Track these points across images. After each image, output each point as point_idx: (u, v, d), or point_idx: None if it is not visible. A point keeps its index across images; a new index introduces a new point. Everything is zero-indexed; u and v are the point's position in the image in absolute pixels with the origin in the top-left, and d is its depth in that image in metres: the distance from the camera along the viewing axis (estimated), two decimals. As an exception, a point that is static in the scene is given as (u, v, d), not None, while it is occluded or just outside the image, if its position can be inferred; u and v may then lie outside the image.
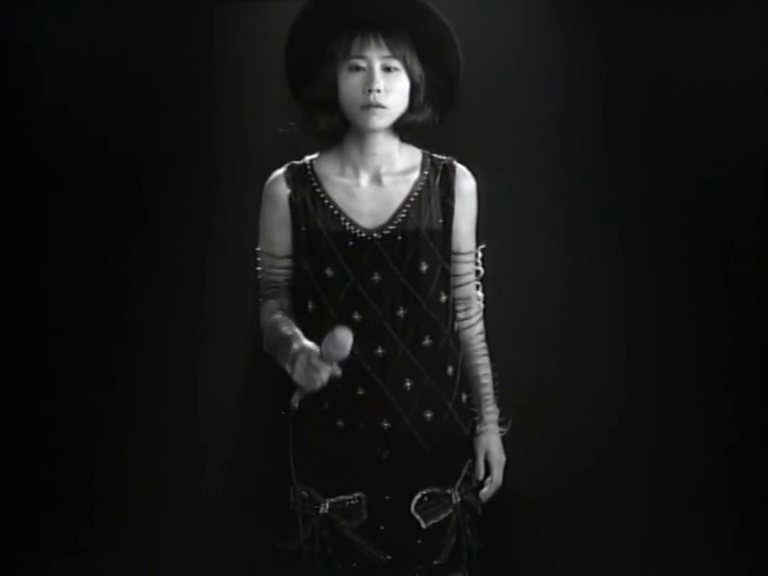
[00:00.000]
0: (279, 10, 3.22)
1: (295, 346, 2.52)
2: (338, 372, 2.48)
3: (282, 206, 2.72)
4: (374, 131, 2.66)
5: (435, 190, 2.73)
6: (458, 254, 2.76)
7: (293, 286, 2.77)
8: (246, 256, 3.08)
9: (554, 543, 3.39)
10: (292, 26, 2.70)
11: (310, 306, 2.71)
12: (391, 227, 2.68)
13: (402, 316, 2.68)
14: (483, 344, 2.82)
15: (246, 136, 3.44)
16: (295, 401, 2.54)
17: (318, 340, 2.65)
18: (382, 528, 2.70)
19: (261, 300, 2.80)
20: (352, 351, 2.51)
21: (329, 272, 2.68)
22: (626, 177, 3.39)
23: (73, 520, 3.52)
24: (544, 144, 3.38)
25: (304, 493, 2.72)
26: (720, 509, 3.40)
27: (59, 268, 3.49)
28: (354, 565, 2.71)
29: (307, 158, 2.77)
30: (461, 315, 2.80)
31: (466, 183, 2.76)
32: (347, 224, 2.68)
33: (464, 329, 2.81)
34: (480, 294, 2.83)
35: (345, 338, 2.45)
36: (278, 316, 2.71)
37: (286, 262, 2.75)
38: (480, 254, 2.81)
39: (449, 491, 2.74)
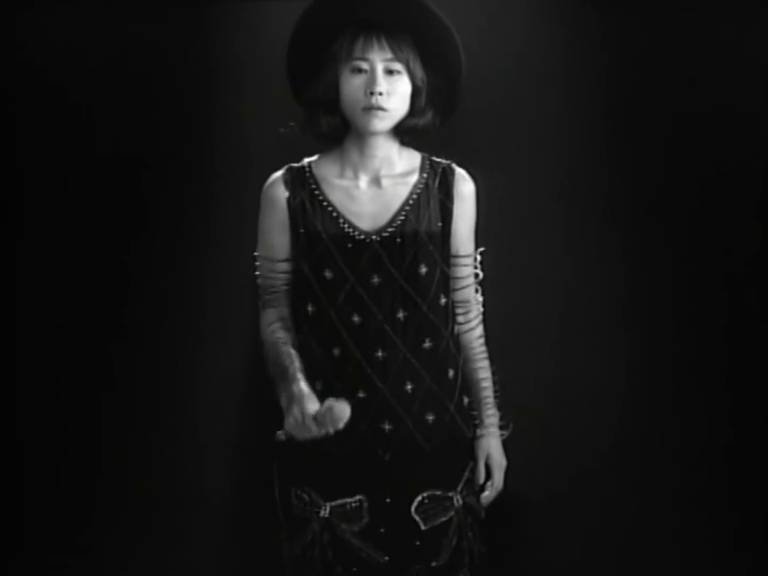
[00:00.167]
0: (279, 10, 3.23)
1: (294, 389, 2.56)
2: (331, 433, 2.49)
3: (281, 208, 2.72)
4: (374, 134, 2.66)
5: (434, 193, 2.73)
6: (456, 256, 2.76)
7: (292, 289, 2.76)
8: (245, 256, 3.07)
9: (555, 544, 3.39)
10: (295, 26, 2.69)
11: (309, 308, 2.71)
12: (390, 229, 2.68)
13: (402, 318, 2.68)
14: (483, 347, 2.82)
15: (245, 136, 3.44)
16: (282, 435, 2.57)
17: (318, 342, 2.67)
18: (382, 531, 2.69)
19: (260, 305, 2.80)
20: (353, 355, 2.53)
21: (328, 274, 2.68)
22: (626, 177, 3.39)
23: (73, 520, 3.51)
24: (544, 144, 3.38)
25: (305, 496, 2.72)
26: (720, 509, 3.41)
27: (59, 268, 3.48)
28: (354, 569, 2.71)
29: (306, 161, 2.77)
30: (460, 319, 2.80)
31: (465, 186, 2.76)
32: (346, 226, 2.68)
33: (464, 332, 2.80)
34: (479, 297, 2.83)
35: (342, 412, 2.47)
36: (279, 335, 2.72)
37: (285, 266, 2.75)
38: (479, 258, 2.81)
39: (450, 494, 2.74)
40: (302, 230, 2.70)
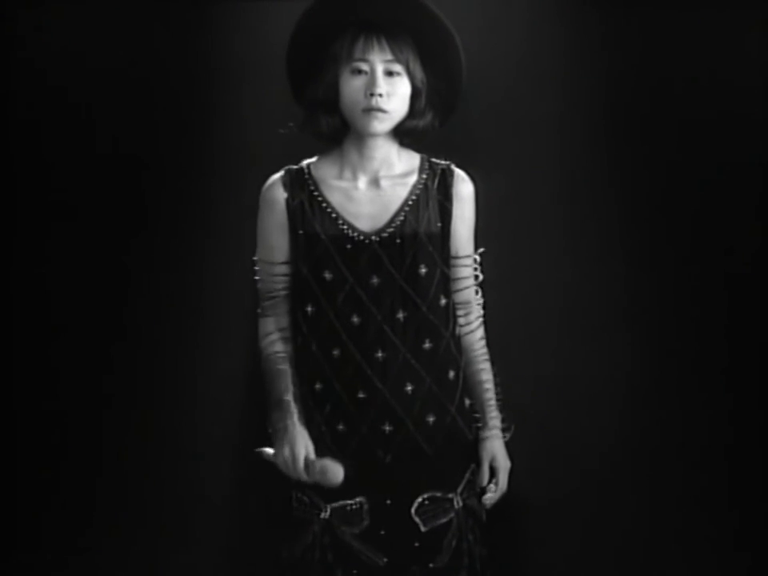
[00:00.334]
0: (279, 10, 3.22)
1: (288, 425, 2.63)
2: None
3: (280, 210, 2.72)
4: (374, 135, 2.66)
5: (433, 194, 2.73)
6: (456, 257, 2.76)
7: (292, 294, 2.76)
8: (245, 256, 3.07)
9: (555, 545, 3.39)
10: (295, 26, 2.69)
11: (308, 309, 2.71)
12: (389, 230, 2.68)
13: (402, 319, 2.68)
14: (484, 349, 2.81)
15: (245, 136, 3.44)
16: (268, 455, 2.61)
17: (317, 343, 2.67)
18: (382, 533, 2.69)
19: (259, 311, 2.80)
20: (353, 356, 2.55)
21: (327, 275, 2.68)
22: (626, 177, 3.39)
23: (73, 520, 3.51)
24: (544, 144, 3.38)
25: (305, 498, 2.72)
26: (720, 509, 3.40)
27: (59, 268, 3.48)
28: (354, 571, 2.71)
29: (305, 162, 2.77)
30: (461, 320, 2.79)
31: (464, 187, 2.76)
32: (345, 227, 2.68)
33: (465, 334, 2.80)
34: (480, 299, 2.82)
35: (335, 477, 2.55)
36: (277, 348, 2.74)
37: (284, 269, 2.74)
38: (479, 259, 2.80)
39: (450, 495, 2.73)
40: (300, 232, 2.70)
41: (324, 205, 2.70)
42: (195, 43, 3.44)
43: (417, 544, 2.71)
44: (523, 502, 3.26)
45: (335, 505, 2.70)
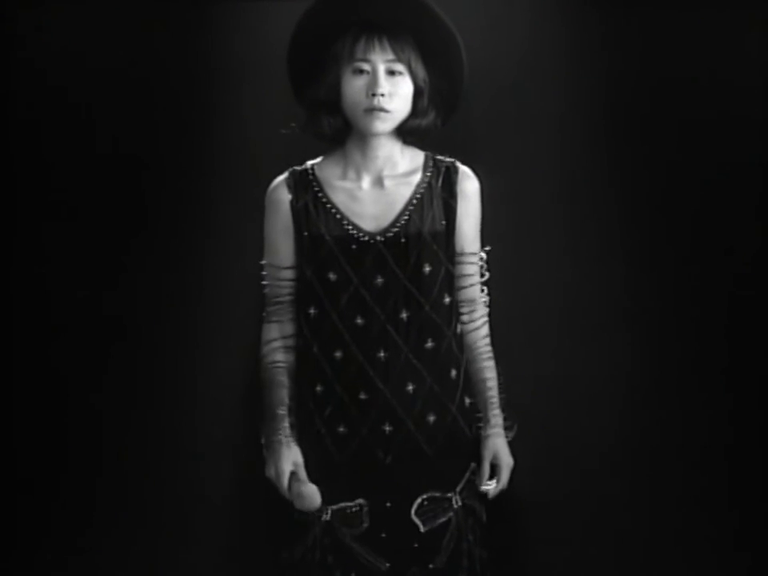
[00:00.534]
0: (279, 10, 3.23)
1: (279, 439, 2.66)
2: None
3: (284, 212, 2.72)
4: (376, 135, 2.65)
5: (438, 192, 2.72)
6: (461, 255, 2.75)
7: (296, 297, 2.76)
8: (245, 256, 3.09)
9: (556, 545, 3.39)
10: (296, 26, 2.69)
11: (311, 311, 2.71)
12: (394, 229, 2.68)
13: (405, 319, 2.68)
14: (488, 347, 2.80)
15: (245, 136, 3.43)
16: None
17: (319, 345, 2.66)
18: (383, 535, 2.69)
19: (263, 316, 2.80)
20: (355, 357, 2.57)
21: (332, 276, 2.68)
22: (626, 177, 3.39)
23: (73, 520, 3.51)
24: (545, 144, 3.37)
25: None
26: (720, 509, 3.40)
27: (59, 268, 3.48)
28: (353, 573, 2.70)
29: (309, 163, 2.77)
30: (465, 318, 2.79)
31: (468, 184, 2.75)
32: (350, 228, 2.68)
33: (469, 332, 2.79)
34: (485, 296, 2.81)
35: (311, 502, 2.62)
36: (278, 357, 2.75)
37: (290, 273, 2.74)
38: (485, 257, 2.79)
39: (449, 495, 2.73)
40: (305, 233, 2.70)
41: (329, 206, 2.70)
42: (195, 43, 3.44)
43: (416, 545, 2.70)
44: (523, 502, 3.26)
45: (335, 507, 2.69)
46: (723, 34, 3.35)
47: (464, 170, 2.76)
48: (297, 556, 2.72)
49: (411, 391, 2.68)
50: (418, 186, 2.71)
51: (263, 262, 2.78)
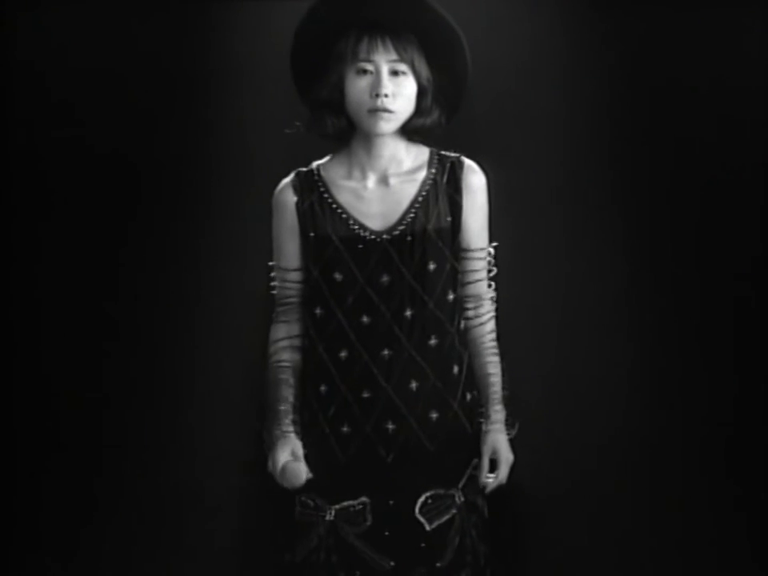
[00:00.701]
0: (279, 10, 3.23)
1: (276, 433, 2.68)
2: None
3: (291, 213, 2.72)
4: (380, 135, 2.65)
5: (443, 188, 2.71)
6: (467, 250, 2.74)
7: (304, 299, 2.76)
8: (245, 256, 3.09)
9: (557, 541, 3.39)
10: (298, 27, 2.68)
11: (317, 311, 2.70)
12: (400, 227, 2.67)
13: (409, 317, 2.67)
14: (493, 343, 2.78)
15: (245, 136, 3.44)
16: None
17: (324, 345, 2.66)
18: (386, 534, 2.68)
19: (273, 317, 2.80)
20: (360, 356, 2.59)
21: (338, 276, 2.67)
22: (629, 176, 3.40)
23: (72, 520, 3.51)
24: (547, 143, 3.38)
25: (309, 501, 2.71)
26: (721, 509, 3.41)
27: (59, 268, 3.48)
28: (358, 573, 2.69)
29: (314, 164, 2.76)
30: (470, 314, 2.77)
31: (474, 179, 2.74)
32: (356, 227, 2.68)
33: (474, 327, 2.77)
34: (492, 292, 2.79)
35: (295, 476, 2.64)
36: (284, 357, 2.75)
37: (297, 275, 2.74)
38: (492, 252, 2.78)
39: (452, 491, 2.72)
40: (311, 234, 2.70)
41: (334, 206, 2.70)
42: (195, 43, 3.44)
43: (423, 544, 2.69)
44: (525, 498, 3.26)
45: (339, 506, 2.69)
46: (724, 33, 3.36)
47: (469, 164, 2.75)
48: (301, 557, 2.71)
49: (414, 389, 2.68)
50: (424, 182, 2.71)
51: (271, 264, 2.78)
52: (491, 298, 2.79)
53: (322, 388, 2.70)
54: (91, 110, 3.43)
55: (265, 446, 2.71)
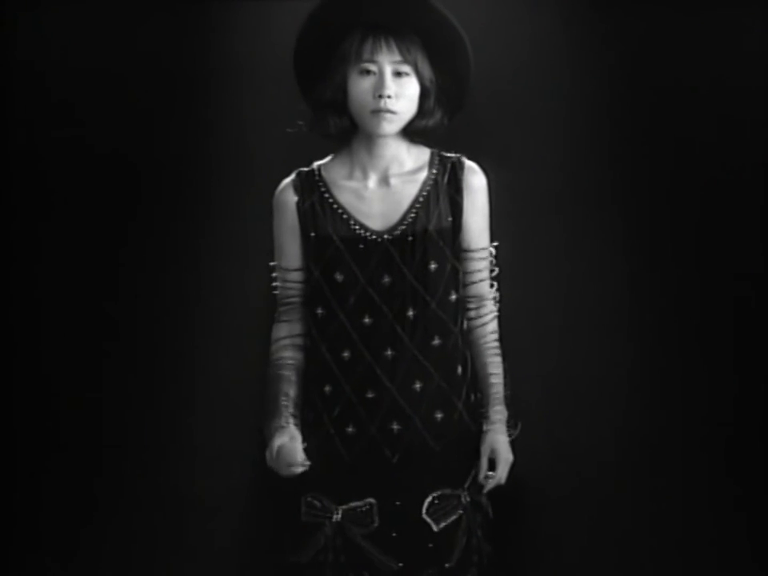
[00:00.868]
0: (279, 10, 3.24)
1: (275, 424, 2.66)
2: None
3: (291, 214, 2.72)
4: (383, 136, 2.65)
5: (444, 188, 2.71)
6: (468, 251, 2.73)
7: (305, 299, 2.76)
8: (245, 256, 3.08)
9: (560, 541, 3.40)
10: (302, 27, 2.67)
11: (319, 312, 2.70)
12: (401, 228, 2.67)
13: (412, 317, 2.67)
14: (496, 343, 2.78)
15: (245, 136, 3.44)
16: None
17: (327, 346, 2.66)
18: (393, 535, 2.67)
19: (275, 317, 2.80)
20: (363, 357, 2.59)
21: (339, 277, 2.67)
22: (630, 175, 3.40)
23: (72, 521, 3.51)
24: (548, 142, 3.38)
25: (316, 502, 2.70)
26: (721, 509, 3.41)
27: (59, 268, 3.48)
28: (366, 574, 2.69)
29: (315, 164, 2.76)
30: (472, 314, 2.77)
31: (475, 179, 2.74)
32: (357, 227, 2.68)
33: (476, 327, 2.77)
34: (495, 292, 2.78)
35: (291, 457, 2.61)
36: (286, 354, 2.74)
37: (298, 276, 2.74)
38: (494, 252, 2.78)
39: (458, 491, 2.72)
40: (312, 234, 2.70)
41: (335, 206, 2.70)
42: (195, 43, 3.44)
43: (430, 545, 2.69)
44: (525, 498, 3.26)
45: (345, 507, 2.69)
46: (724, 34, 3.36)
47: (470, 165, 2.75)
48: (309, 558, 2.71)
49: (418, 389, 2.68)
50: (425, 183, 2.71)
51: (273, 264, 2.78)
52: (493, 299, 2.79)
53: (327, 388, 2.70)
54: (91, 110, 3.43)
55: (265, 440, 2.69)
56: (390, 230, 2.67)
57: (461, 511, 2.72)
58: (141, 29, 3.43)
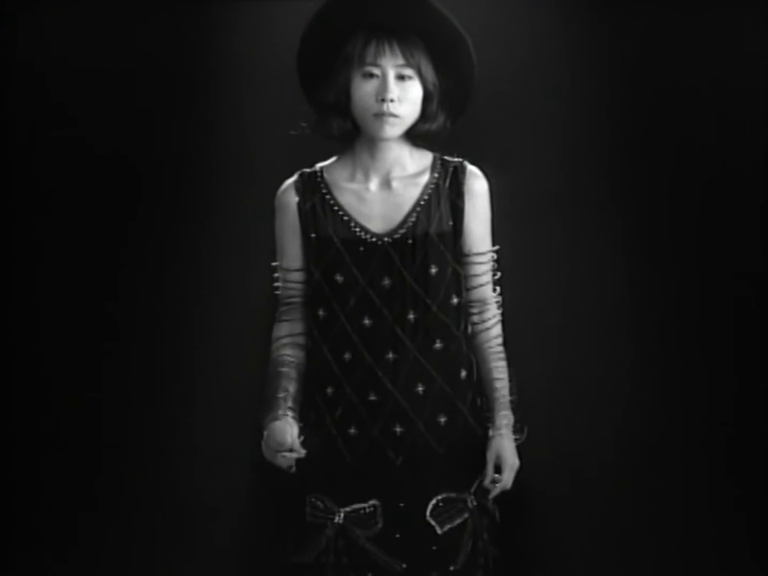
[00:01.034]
0: (280, 10, 3.23)
1: (271, 419, 2.65)
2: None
3: (292, 214, 2.72)
4: (385, 140, 2.65)
5: (445, 192, 2.71)
6: (470, 255, 2.73)
7: (306, 299, 2.76)
8: (245, 256, 3.08)
9: (565, 543, 3.40)
10: (306, 28, 2.67)
11: (320, 313, 2.70)
12: (402, 230, 2.67)
13: (412, 320, 2.67)
14: (500, 348, 2.77)
15: (245, 137, 3.44)
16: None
17: (329, 347, 2.66)
18: (397, 536, 2.67)
19: (276, 316, 2.80)
20: (364, 359, 2.57)
21: (339, 278, 2.67)
22: (630, 176, 3.41)
23: (72, 521, 3.51)
24: (549, 144, 3.39)
25: (319, 503, 2.70)
26: (722, 509, 3.42)
27: (59, 268, 3.48)
28: (369, 575, 2.70)
29: (318, 165, 2.76)
30: (475, 318, 2.76)
31: (476, 184, 2.74)
32: (357, 229, 2.68)
33: (479, 332, 2.76)
34: (497, 296, 2.77)
35: (281, 435, 2.60)
36: (286, 352, 2.74)
37: (299, 276, 2.74)
38: (495, 256, 2.78)
39: (464, 495, 2.71)
40: (313, 235, 2.70)
41: (336, 208, 2.69)
42: (195, 43, 3.44)
43: (434, 547, 2.68)
44: (525, 499, 3.26)
45: (348, 509, 2.69)
46: (724, 34, 3.37)
47: (471, 169, 2.74)
48: (311, 559, 2.71)
49: (421, 392, 2.67)
50: (426, 186, 2.71)
51: (275, 264, 2.78)
52: (496, 303, 2.78)
53: (329, 389, 2.70)
54: (91, 110, 3.43)
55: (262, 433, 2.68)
56: (391, 233, 2.67)
57: (466, 515, 2.71)
58: (141, 29, 3.42)
